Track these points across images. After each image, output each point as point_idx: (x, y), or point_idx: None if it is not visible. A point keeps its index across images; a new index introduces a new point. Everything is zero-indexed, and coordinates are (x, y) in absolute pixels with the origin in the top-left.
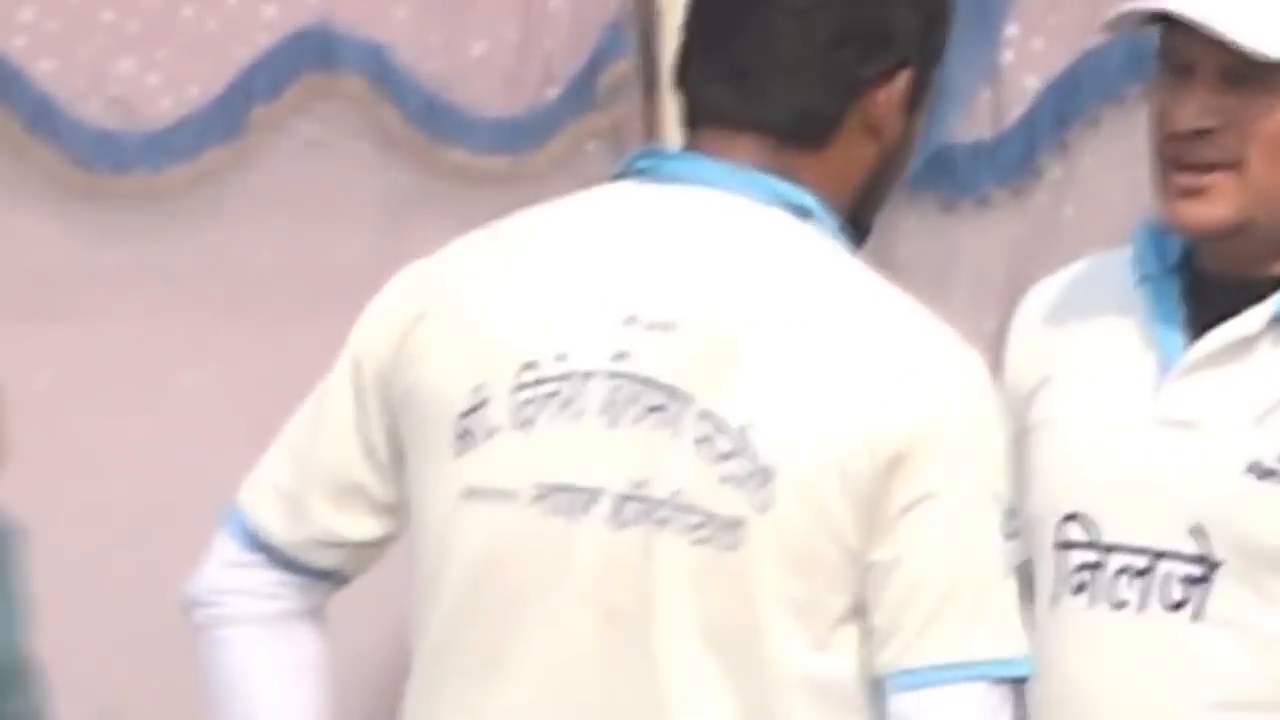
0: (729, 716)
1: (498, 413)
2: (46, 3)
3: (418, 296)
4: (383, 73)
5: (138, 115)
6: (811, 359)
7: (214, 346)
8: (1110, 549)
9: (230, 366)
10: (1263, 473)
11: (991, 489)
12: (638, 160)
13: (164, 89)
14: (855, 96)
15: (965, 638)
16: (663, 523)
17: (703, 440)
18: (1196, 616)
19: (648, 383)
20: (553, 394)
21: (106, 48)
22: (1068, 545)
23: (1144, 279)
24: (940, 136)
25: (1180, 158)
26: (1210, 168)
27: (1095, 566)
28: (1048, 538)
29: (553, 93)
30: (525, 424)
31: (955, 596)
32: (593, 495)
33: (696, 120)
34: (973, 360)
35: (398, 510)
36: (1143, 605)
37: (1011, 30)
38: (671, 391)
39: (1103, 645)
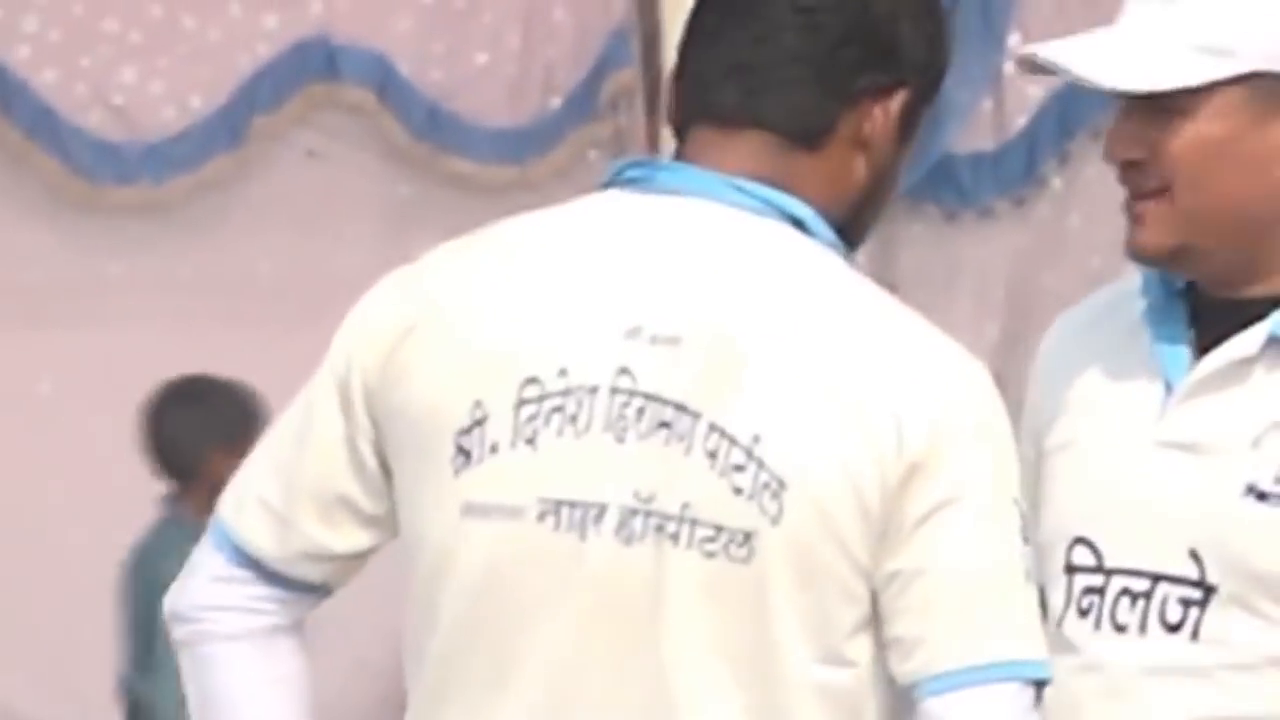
0: None
1: (498, 429)
2: (49, 13)
3: (405, 309)
4: (385, 83)
5: (140, 125)
6: (818, 371)
7: (215, 355)
8: (1112, 572)
9: (233, 374)
10: (1259, 495)
11: (1010, 493)
12: (628, 169)
13: (166, 99)
14: (853, 104)
15: (995, 639)
16: (674, 537)
17: (713, 453)
18: (1194, 638)
19: (654, 398)
20: (557, 409)
21: (109, 58)
22: (1075, 569)
23: (1150, 304)
24: (943, 147)
25: (1128, 188)
26: (1147, 195)
27: (1100, 591)
28: (1059, 561)
29: (555, 102)
30: (529, 440)
31: (982, 599)
32: (600, 510)
33: (693, 118)
34: (977, 369)
35: (385, 521)
36: (1143, 628)
37: (1014, 40)
38: (680, 407)
39: (1107, 668)
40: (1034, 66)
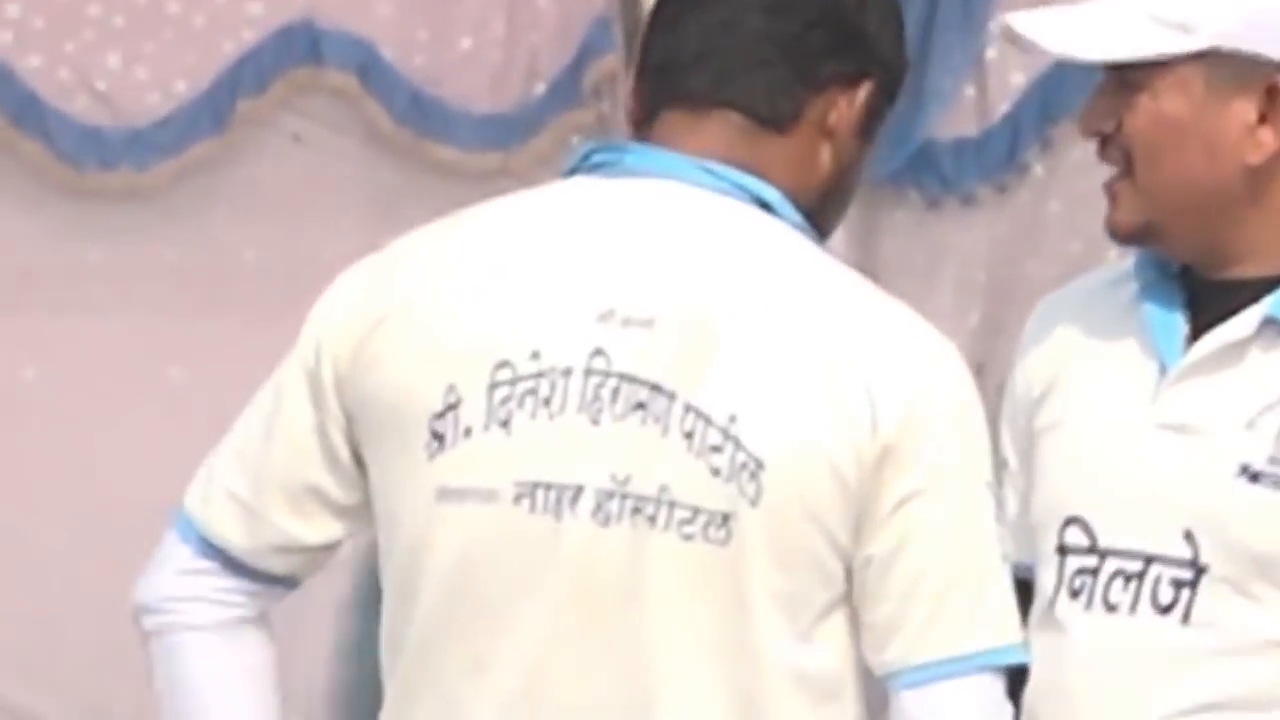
0: (717, 709)
1: (471, 413)
2: None
3: (376, 296)
4: (369, 68)
5: (123, 111)
6: (792, 351)
7: (200, 342)
8: (1106, 553)
9: (216, 362)
10: (1253, 476)
11: (983, 476)
12: (594, 154)
13: (150, 84)
14: (819, 89)
15: (971, 629)
16: (652, 519)
17: (690, 434)
18: (1185, 620)
19: (629, 379)
20: (530, 391)
21: (93, 43)
22: (1067, 550)
23: (1144, 285)
24: (925, 133)
25: (1103, 161)
26: (1117, 174)
27: (1092, 571)
28: (1050, 541)
29: (539, 88)
30: (503, 423)
31: (958, 588)
32: (576, 492)
33: (661, 105)
34: (950, 350)
35: (357, 512)
36: (1134, 608)
37: (996, 27)
38: (655, 387)
39: (1096, 648)
40: (1013, 36)
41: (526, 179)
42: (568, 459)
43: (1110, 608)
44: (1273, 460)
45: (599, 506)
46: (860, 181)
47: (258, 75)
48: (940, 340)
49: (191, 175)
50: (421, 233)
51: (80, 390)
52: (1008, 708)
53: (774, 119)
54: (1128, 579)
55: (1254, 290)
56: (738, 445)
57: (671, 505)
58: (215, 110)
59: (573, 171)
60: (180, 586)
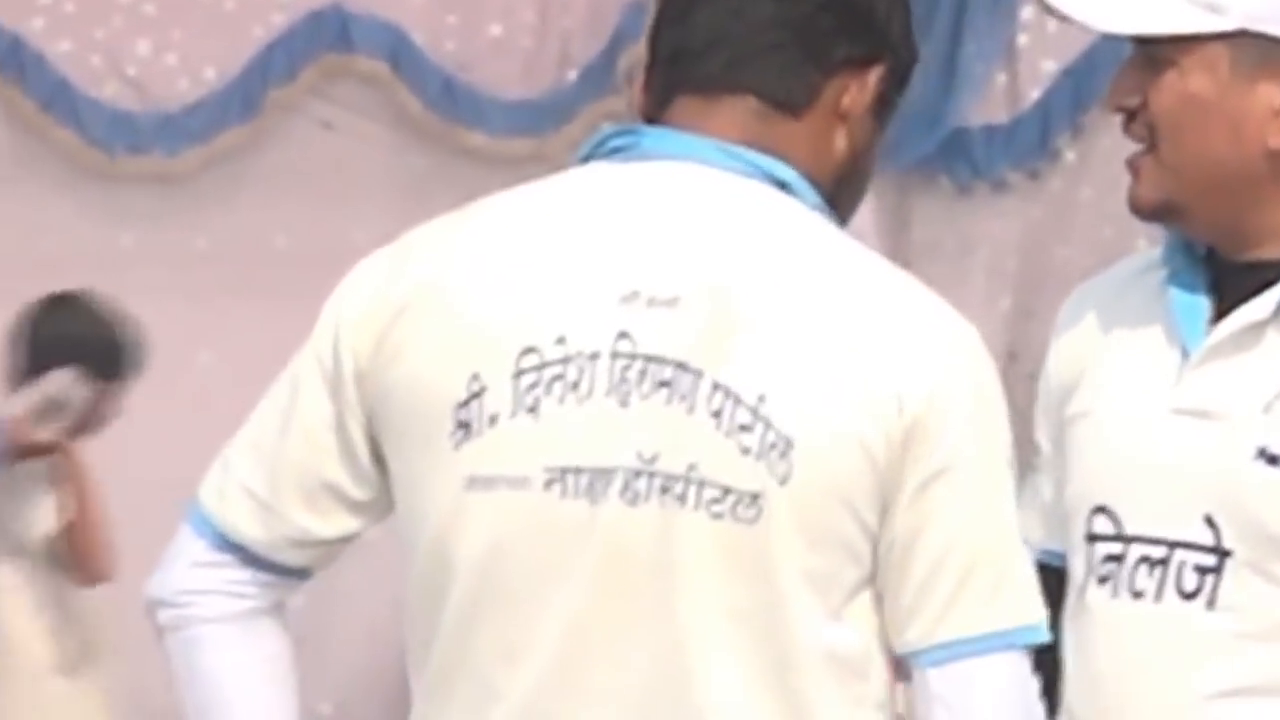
0: (750, 689)
1: (496, 400)
2: None
3: (395, 288)
4: (400, 54)
5: (154, 96)
6: (817, 329)
7: (228, 327)
8: (1131, 540)
9: (246, 347)
10: (1270, 459)
11: (1004, 455)
12: (611, 139)
13: (180, 70)
14: (832, 73)
15: (994, 608)
16: (681, 498)
17: (718, 413)
18: (1210, 605)
19: (655, 359)
20: (557, 377)
21: (123, 29)
22: (1095, 538)
23: (1171, 271)
24: (956, 119)
25: (1128, 136)
26: (1141, 150)
27: (1118, 558)
28: (1080, 530)
29: (571, 75)
30: (530, 409)
31: (980, 567)
32: (608, 475)
33: (674, 92)
34: (970, 330)
35: (372, 506)
36: (1159, 595)
37: (1027, 14)
38: (680, 365)
39: (1124, 636)
40: (1045, 6)
41: (560, 165)
42: (599, 443)
43: (1136, 595)
44: None
45: (626, 486)
46: (875, 168)
47: (288, 61)
48: (960, 320)
49: (222, 161)
50: (437, 222)
51: None
52: (1032, 686)
53: (788, 102)
54: (1152, 565)
55: (1276, 272)
56: (768, 425)
57: (700, 484)
58: (245, 96)
59: (589, 157)
60: (194, 580)
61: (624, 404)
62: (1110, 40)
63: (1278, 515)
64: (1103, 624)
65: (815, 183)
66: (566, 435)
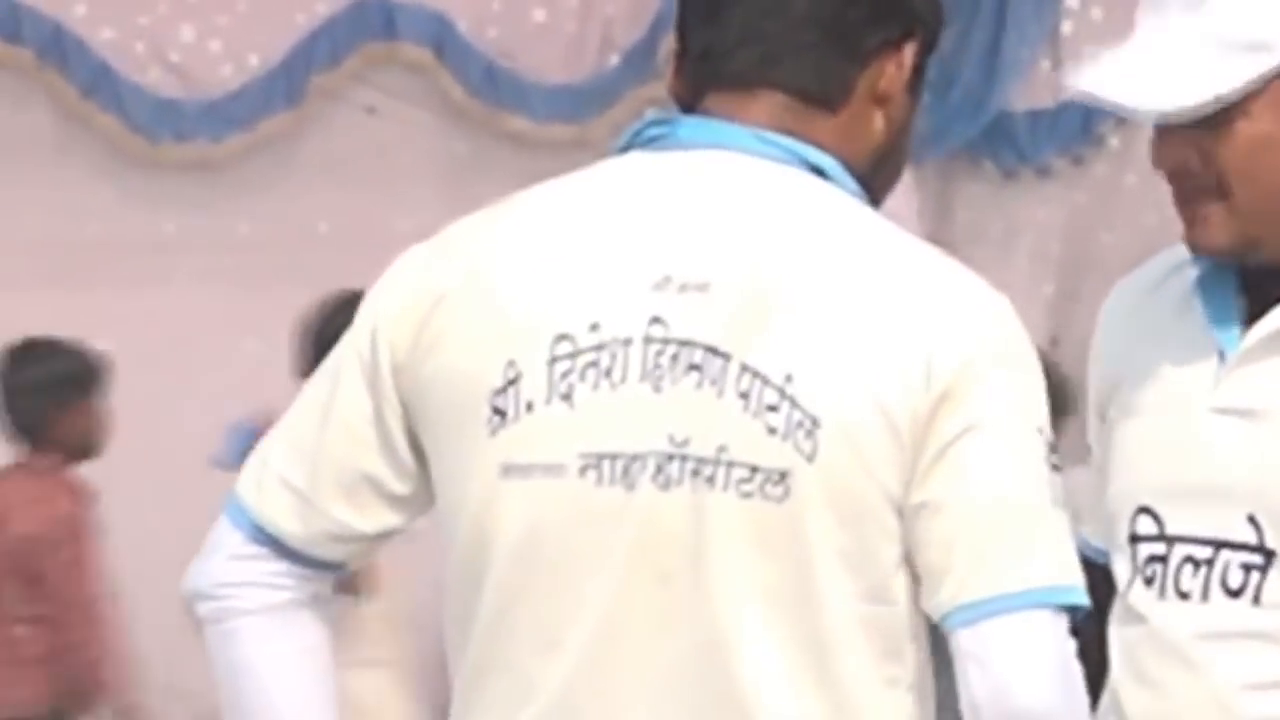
0: (788, 669)
1: (532, 387)
2: None
3: (433, 280)
4: (444, 41)
5: (197, 83)
6: (847, 309)
7: (274, 313)
8: (1174, 540)
9: (288, 333)
10: None
11: (1033, 422)
12: (648, 129)
13: (224, 57)
14: (865, 63)
15: (1023, 565)
16: (711, 480)
17: (745, 394)
18: (1256, 601)
19: (686, 344)
20: (591, 364)
21: (167, 16)
22: (1138, 539)
23: (1201, 273)
24: (1000, 105)
25: (1178, 193)
26: (1203, 199)
27: (1162, 559)
28: (1124, 531)
29: (614, 60)
30: (564, 396)
31: (1008, 525)
32: (641, 461)
33: (706, 84)
34: (1003, 303)
35: (412, 501)
36: (1205, 595)
37: (1073, 1)
38: (710, 349)
39: (1172, 635)
40: (1094, 100)
41: (602, 150)
42: (633, 428)
43: (1183, 595)
44: None
45: (659, 470)
46: (912, 138)
47: (331, 48)
48: (993, 294)
49: (265, 147)
50: (476, 216)
51: (155, 361)
52: (1068, 646)
53: (824, 99)
54: (1197, 565)
55: None
56: (794, 404)
57: (730, 465)
58: (289, 83)
59: (627, 147)
60: (232, 572)
61: (657, 389)
62: None
63: None
64: (1150, 625)
65: (852, 166)
66: (601, 421)
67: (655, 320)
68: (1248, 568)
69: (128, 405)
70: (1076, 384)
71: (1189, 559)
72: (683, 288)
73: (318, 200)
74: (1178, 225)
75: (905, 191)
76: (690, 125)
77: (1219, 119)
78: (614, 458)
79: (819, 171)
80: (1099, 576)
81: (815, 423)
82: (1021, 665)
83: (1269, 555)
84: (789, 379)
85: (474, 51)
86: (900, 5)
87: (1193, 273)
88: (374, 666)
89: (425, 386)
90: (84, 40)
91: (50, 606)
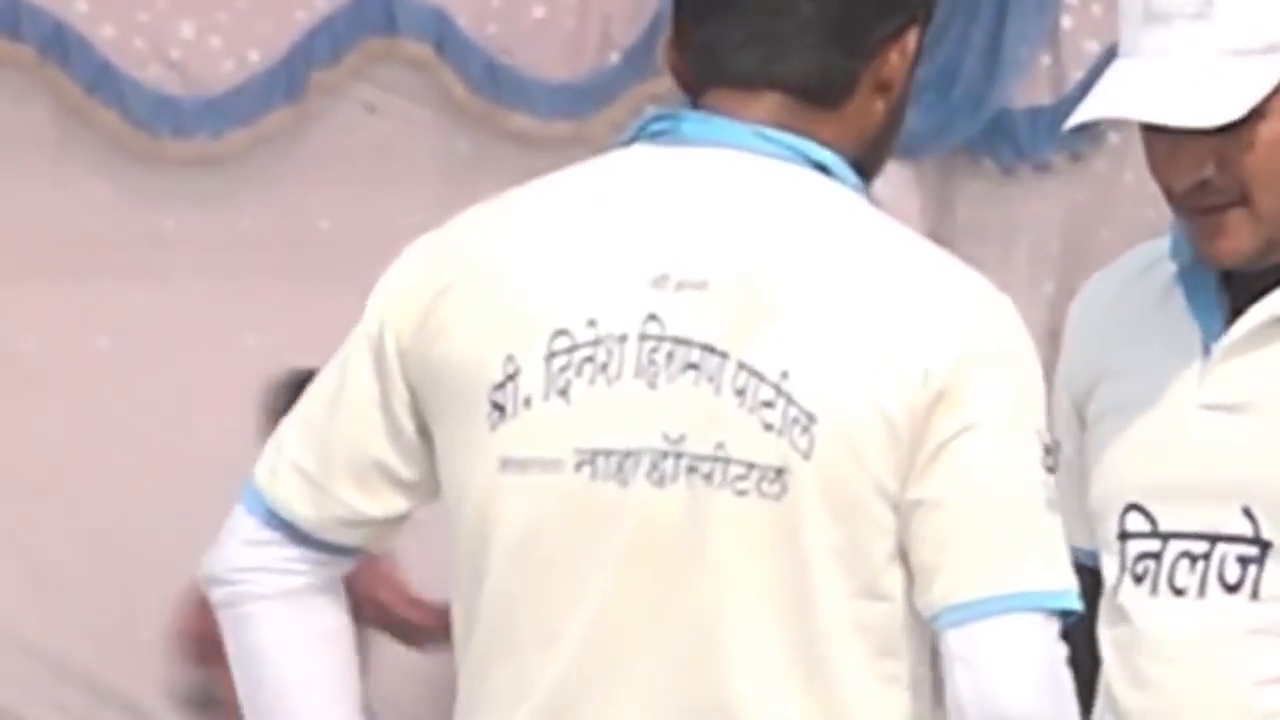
0: (781, 666)
1: (530, 382)
2: None
3: (438, 270)
4: (444, 37)
5: (198, 79)
6: (845, 307)
7: (275, 309)
8: (1168, 537)
9: (289, 329)
10: None
11: (1031, 423)
12: (651, 124)
13: (224, 53)
14: (870, 56)
15: (1015, 568)
16: (707, 477)
17: (741, 391)
18: (1254, 595)
19: (683, 341)
20: (588, 359)
21: (167, 12)
22: (1128, 536)
23: (1181, 268)
24: (1000, 102)
25: (1193, 206)
26: (1223, 207)
27: (1155, 555)
28: (1111, 529)
29: (613, 57)
30: (561, 392)
31: (1002, 527)
32: (635, 457)
33: (708, 79)
34: (1004, 302)
35: (421, 486)
36: (1202, 590)
37: None
38: (707, 348)
39: (1169, 633)
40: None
41: (602, 147)
42: (627, 425)
43: (1178, 592)
44: None
45: (654, 467)
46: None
47: (332, 44)
48: (993, 293)
49: (265, 144)
50: (482, 206)
51: (156, 357)
52: (1058, 651)
53: (828, 98)
54: (1193, 560)
55: None
56: (790, 400)
57: (726, 462)
58: (289, 79)
59: (632, 140)
60: (246, 557)
61: (652, 386)
62: None
63: None
64: (1143, 622)
65: (852, 151)
66: (596, 417)
67: (651, 318)
68: (1244, 561)
69: (128, 401)
70: None
71: (1185, 554)
72: (680, 285)
73: (318, 196)
74: None
75: (907, 189)
76: (694, 121)
77: (1239, 125)
78: (608, 454)
79: (821, 168)
80: (1084, 576)
81: (811, 419)
82: (1009, 669)
83: (1264, 546)
84: (785, 375)
85: (474, 48)
86: None
87: (1171, 268)
88: None
89: (430, 373)
90: (84, 37)
91: None
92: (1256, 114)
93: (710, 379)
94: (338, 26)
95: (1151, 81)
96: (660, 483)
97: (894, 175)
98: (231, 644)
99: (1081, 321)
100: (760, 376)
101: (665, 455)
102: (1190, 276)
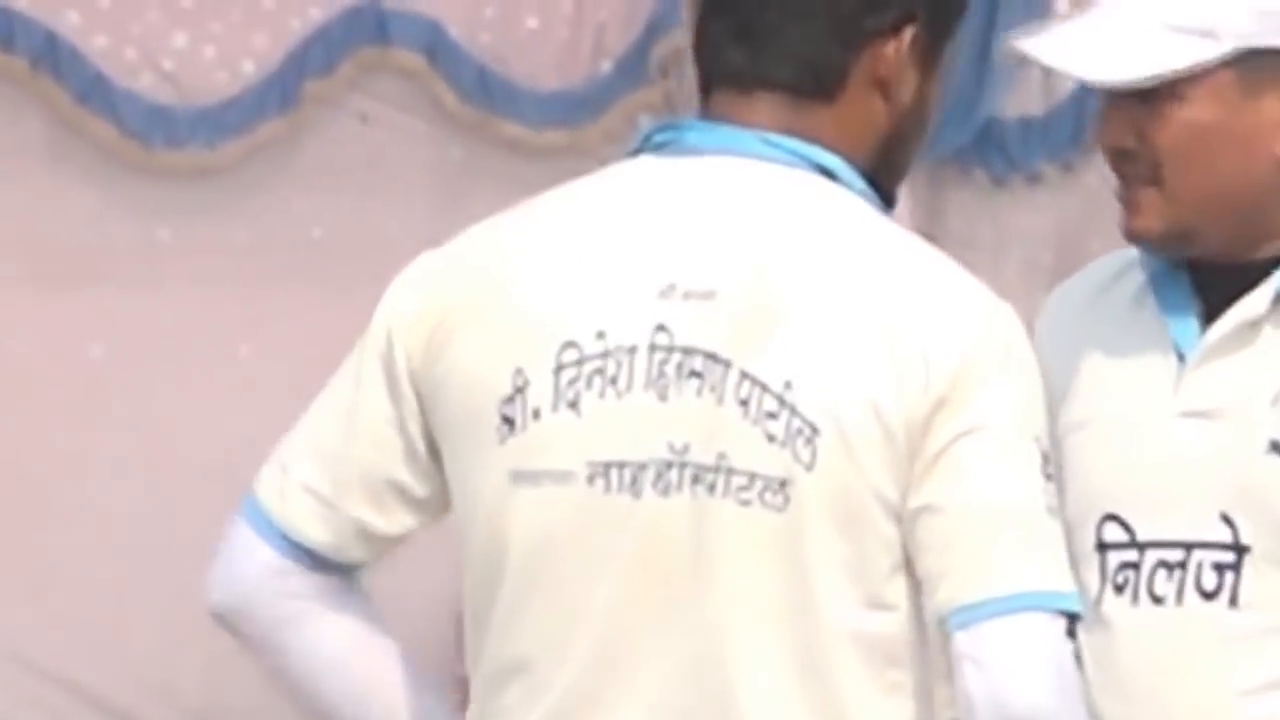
0: (785, 676)
1: (539, 395)
2: None
3: (447, 285)
4: (437, 47)
5: (191, 89)
6: (848, 315)
7: (269, 319)
8: (1146, 546)
9: (285, 339)
10: None
11: (1030, 429)
12: (655, 134)
13: (218, 63)
14: (860, 48)
15: (1019, 569)
16: (711, 487)
17: (745, 401)
18: (1232, 603)
19: (689, 351)
20: (597, 371)
21: (160, 23)
22: (1107, 546)
23: (1152, 275)
24: (990, 111)
25: (1118, 174)
26: (1140, 184)
27: (1134, 565)
28: (1088, 540)
29: (606, 66)
30: (571, 404)
31: (1004, 529)
32: (643, 468)
33: (710, 83)
34: (1006, 310)
35: (432, 503)
36: (1180, 598)
37: (1062, 5)
38: (711, 356)
39: (1149, 642)
40: (1030, 60)
41: (594, 156)
42: (638, 436)
43: (1156, 600)
44: None
45: (659, 477)
46: (932, 119)
47: (325, 55)
48: (994, 299)
49: (259, 154)
50: (489, 221)
51: (150, 368)
52: (1066, 650)
53: (819, 90)
54: (1170, 569)
55: (1260, 270)
56: (793, 411)
57: (729, 472)
58: (283, 90)
59: (637, 152)
60: (267, 587)
61: (663, 398)
62: None
63: None
64: (1124, 632)
65: (859, 159)
66: (607, 429)
67: (660, 328)
68: (1220, 567)
69: (122, 410)
70: None
71: (1162, 563)
72: (687, 295)
73: (312, 206)
74: None
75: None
76: (698, 130)
77: (1158, 100)
78: (621, 466)
79: (826, 172)
80: None
81: (814, 430)
82: (1018, 667)
83: (1240, 552)
84: (788, 386)
85: (467, 57)
86: None
87: (1141, 275)
88: None
89: (439, 390)
90: (77, 48)
91: None
92: (1176, 96)
93: (713, 388)
94: (331, 37)
95: (1085, 37)
96: (665, 492)
97: None
98: (274, 669)
99: (1049, 336)
100: (764, 386)
101: (670, 465)
102: (1162, 281)
